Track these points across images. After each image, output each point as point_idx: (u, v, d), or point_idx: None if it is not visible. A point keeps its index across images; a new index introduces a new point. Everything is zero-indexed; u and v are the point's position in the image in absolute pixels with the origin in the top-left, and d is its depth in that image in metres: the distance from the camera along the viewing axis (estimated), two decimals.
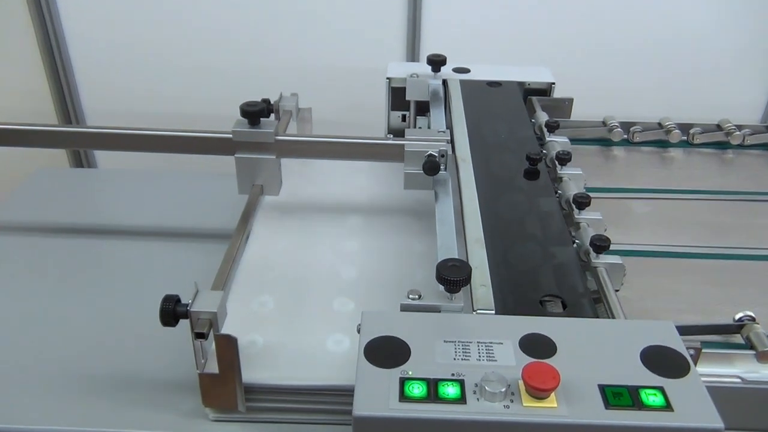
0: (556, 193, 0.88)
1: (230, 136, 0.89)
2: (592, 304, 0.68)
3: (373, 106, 1.30)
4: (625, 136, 1.12)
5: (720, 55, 1.54)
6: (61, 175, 1.27)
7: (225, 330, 0.68)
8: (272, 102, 1.05)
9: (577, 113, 1.17)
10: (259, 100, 1.03)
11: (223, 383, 0.71)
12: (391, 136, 0.91)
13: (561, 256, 0.75)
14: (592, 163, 1.07)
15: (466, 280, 0.64)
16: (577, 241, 0.80)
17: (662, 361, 0.59)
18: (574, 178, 0.92)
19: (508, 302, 0.67)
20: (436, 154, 0.87)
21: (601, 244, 0.75)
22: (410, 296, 0.66)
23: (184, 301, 0.68)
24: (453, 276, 0.63)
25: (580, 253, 0.78)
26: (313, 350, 0.75)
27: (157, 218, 1.06)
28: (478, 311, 0.65)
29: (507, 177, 0.89)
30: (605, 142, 1.13)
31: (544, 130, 1.03)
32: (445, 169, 0.88)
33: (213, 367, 0.70)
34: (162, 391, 0.78)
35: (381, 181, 1.05)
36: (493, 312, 0.65)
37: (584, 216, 0.83)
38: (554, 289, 0.69)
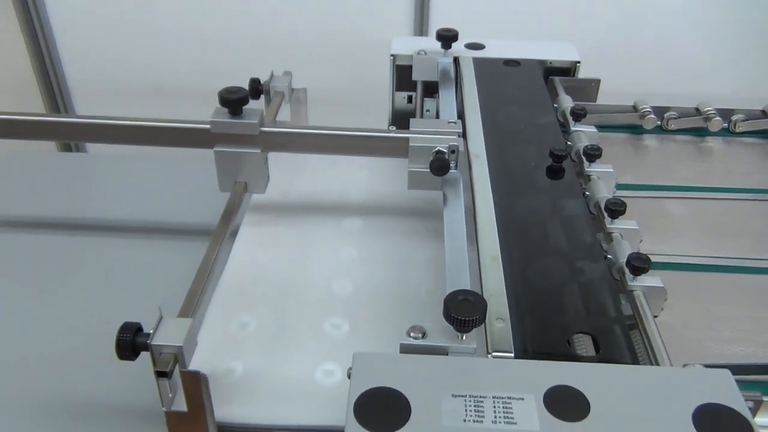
0: (584, 194, 0.77)
1: (208, 126, 0.77)
2: (631, 343, 0.57)
3: (375, 84, 1.17)
4: (659, 123, 1.00)
5: None
6: (33, 160, 1.15)
7: (198, 358, 0.59)
8: (262, 82, 0.93)
9: (604, 93, 1.04)
10: (249, 77, 0.91)
11: (193, 422, 0.61)
12: (394, 127, 0.79)
13: (592, 278, 0.63)
14: (619, 154, 0.95)
15: (480, 319, 0.52)
16: (609, 255, 0.68)
17: (718, 424, 0.48)
18: (604, 177, 0.80)
19: (530, 341, 0.56)
20: (446, 151, 0.75)
21: (639, 266, 0.63)
22: (412, 335, 0.54)
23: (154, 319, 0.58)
24: (465, 314, 0.52)
25: (612, 271, 0.67)
26: (299, 382, 0.65)
27: (136, 210, 0.95)
28: (494, 354, 0.54)
29: (527, 177, 0.77)
30: (635, 129, 1.01)
31: (569, 118, 0.90)
32: (456, 167, 0.76)
33: (181, 403, 0.60)
34: (127, 421, 0.68)
35: (382, 177, 0.93)
36: (512, 355, 0.54)
37: (618, 225, 0.71)
38: (585, 323, 0.58)
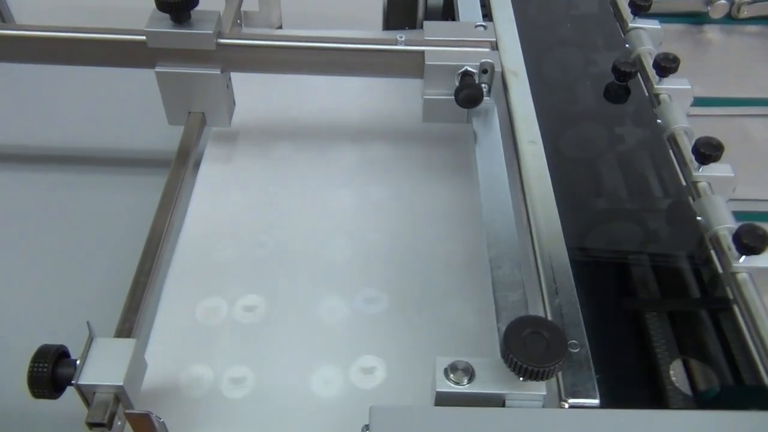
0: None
1: (144, 38, 0.56)
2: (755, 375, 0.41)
3: None
4: (728, 11, 0.79)
5: None
6: None
7: (150, 364, 0.45)
8: None
9: None
10: None
11: None
12: (403, 37, 0.57)
13: (688, 270, 0.46)
14: (679, 55, 0.75)
15: (561, 365, 0.35)
16: (700, 218, 0.50)
17: None
18: (677, 96, 0.60)
19: (616, 377, 0.39)
20: (476, 71, 0.55)
21: (754, 244, 0.46)
22: (452, 377, 0.38)
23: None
24: (538, 362, 0.35)
25: (707, 239, 0.49)
26: (289, 394, 0.49)
27: (76, 135, 0.74)
28: (572, 403, 0.38)
29: (583, 103, 0.57)
30: (697, 18, 0.79)
31: (626, 10, 0.69)
32: (489, 93, 0.56)
33: None
34: None
35: (383, 93, 0.72)
36: (597, 403, 0.38)
37: (706, 173, 0.53)
38: (687, 344, 0.41)
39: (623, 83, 0.58)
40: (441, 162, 0.64)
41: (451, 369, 0.38)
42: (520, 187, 0.49)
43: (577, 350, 0.39)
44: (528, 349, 0.35)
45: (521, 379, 0.37)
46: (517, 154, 0.51)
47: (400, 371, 0.50)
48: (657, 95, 0.61)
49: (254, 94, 0.70)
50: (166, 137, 0.61)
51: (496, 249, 0.45)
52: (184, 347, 0.52)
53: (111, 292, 0.47)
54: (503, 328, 0.40)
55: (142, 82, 0.59)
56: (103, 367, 0.41)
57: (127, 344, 0.42)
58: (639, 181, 0.52)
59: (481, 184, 0.50)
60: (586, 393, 0.38)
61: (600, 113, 0.57)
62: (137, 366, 0.43)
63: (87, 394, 0.41)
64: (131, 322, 0.45)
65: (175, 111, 0.60)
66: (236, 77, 0.61)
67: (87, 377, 0.41)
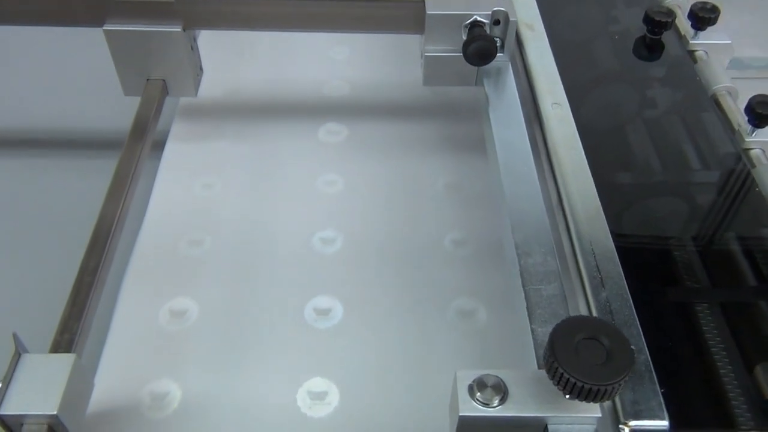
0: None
1: None
2: None
3: None
4: None
5: None
6: None
7: (106, 378, 0.41)
8: None
9: None
10: None
11: None
12: None
13: (760, 252, 0.38)
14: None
15: (624, 382, 0.27)
16: (760, 188, 0.42)
17: None
18: (716, 51, 0.52)
19: (685, 390, 0.31)
20: (487, 21, 0.46)
21: None
22: (480, 397, 0.29)
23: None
24: (598, 379, 0.26)
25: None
26: (274, 413, 0.40)
27: (12, 111, 0.64)
28: (634, 427, 0.29)
29: (612, 58, 0.49)
30: None
31: None
32: (503, 49, 0.47)
33: None
34: None
35: (374, 57, 0.63)
36: (666, 426, 0.29)
37: (762, 138, 0.45)
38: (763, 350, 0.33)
39: (657, 36, 0.49)
40: (444, 134, 0.56)
41: (478, 386, 0.29)
42: (547, 158, 0.41)
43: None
44: (582, 360, 0.27)
45: (567, 396, 0.28)
46: (540, 119, 0.43)
47: (402, 385, 0.41)
48: (692, 51, 0.53)
49: (226, 60, 0.61)
50: (122, 112, 0.52)
51: (523, 232, 0.37)
52: (145, 358, 0.43)
53: (49, 297, 0.38)
54: (539, 330, 0.32)
55: (91, 44, 0.50)
56: (32, 391, 0.33)
57: (64, 361, 0.34)
58: (681, 149, 0.44)
59: (500, 156, 0.41)
60: (651, 412, 0.30)
61: (631, 71, 0.49)
62: (78, 388, 0.34)
63: (12, 425, 0.33)
64: (71, 332, 0.36)
65: (131, 78, 0.51)
66: (203, 39, 0.52)
67: (12, 405, 0.32)
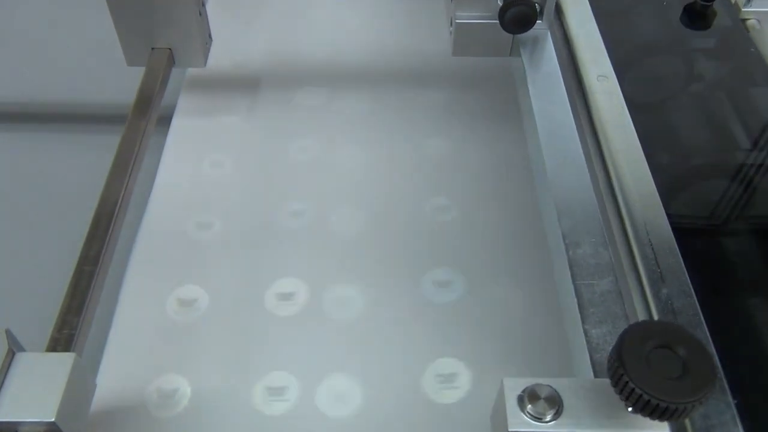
0: None
1: None
2: None
3: None
4: None
5: None
6: None
7: (110, 374, 0.38)
8: None
9: None
10: None
11: None
12: None
13: None
14: None
15: (707, 398, 0.23)
16: None
17: None
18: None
19: (761, 400, 0.28)
20: None
21: None
22: (531, 410, 0.26)
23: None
24: (678, 395, 0.23)
25: None
26: (289, 414, 0.37)
27: (11, 84, 0.61)
28: None
29: (663, 29, 0.45)
30: None
31: None
32: (541, 16, 0.43)
33: None
34: None
35: (401, 23, 0.59)
36: None
37: None
38: None
39: (709, 2, 0.45)
40: (474, 108, 0.52)
41: (530, 397, 0.26)
42: (593, 136, 0.37)
43: None
44: (654, 372, 0.23)
45: (630, 409, 0.25)
46: (584, 93, 0.39)
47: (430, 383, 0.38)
48: (744, 20, 0.48)
49: (236, 28, 0.56)
50: (125, 84, 0.48)
51: (571, 219, 0.33)
52: (151, 353, 0.40)
53: (45, 289, 0.35)
54: (593, 332, 0.29)
55: (90, 9, 0.46)
56: (27, 395, 0.30)
57: (63, 360, 0.31)
58: (742, 126, 0.40)
59: (541, 133, 0.37)
60: (724, 428, 0.26)
61: (680, 41, 0.45)
62: (78, 390, 0.31)
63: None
64: (71, 328, 0.33)
65: (135, 47, 0.47)
66: (213, 5, 0.48)
67: (4, 411, 0.29)
